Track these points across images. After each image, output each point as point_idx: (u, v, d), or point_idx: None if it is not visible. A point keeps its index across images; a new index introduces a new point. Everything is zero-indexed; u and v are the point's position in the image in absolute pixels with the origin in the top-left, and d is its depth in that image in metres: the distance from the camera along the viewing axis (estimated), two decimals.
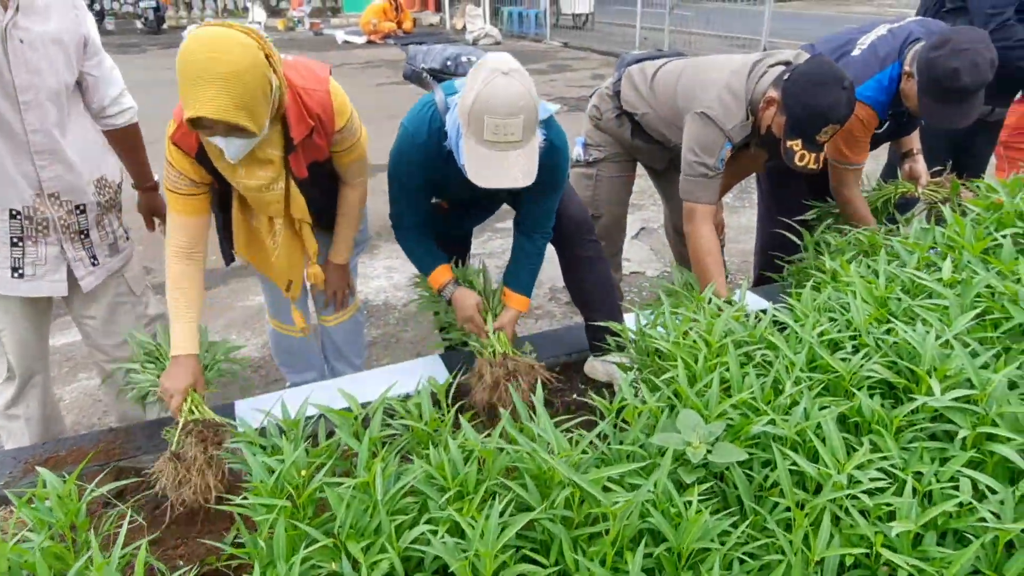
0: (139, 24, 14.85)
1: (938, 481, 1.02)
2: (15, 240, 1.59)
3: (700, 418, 1.14)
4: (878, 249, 1.77)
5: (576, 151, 2.45)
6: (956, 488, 0.99)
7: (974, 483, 1.00)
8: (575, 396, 1.75)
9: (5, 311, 1.67)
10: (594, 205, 2.40)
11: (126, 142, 1.84)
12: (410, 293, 3.36)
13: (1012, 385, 1.16)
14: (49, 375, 1.90)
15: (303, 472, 1.12)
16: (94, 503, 1.36)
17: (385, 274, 3.59)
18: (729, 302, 1.63)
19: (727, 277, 2.06)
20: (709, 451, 1.08)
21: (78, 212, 1.67)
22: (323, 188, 1.73)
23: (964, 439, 1.07)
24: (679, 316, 1.52)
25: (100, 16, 14.71)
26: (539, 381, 1.38)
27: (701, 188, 1.97)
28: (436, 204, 1.86)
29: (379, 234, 3.96)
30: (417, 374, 1.61)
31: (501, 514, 0.94)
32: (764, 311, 1.52)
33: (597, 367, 1.87)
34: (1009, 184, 1.78)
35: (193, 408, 1.42)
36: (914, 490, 0.99)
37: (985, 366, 1.20)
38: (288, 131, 1.49)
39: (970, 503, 0.96)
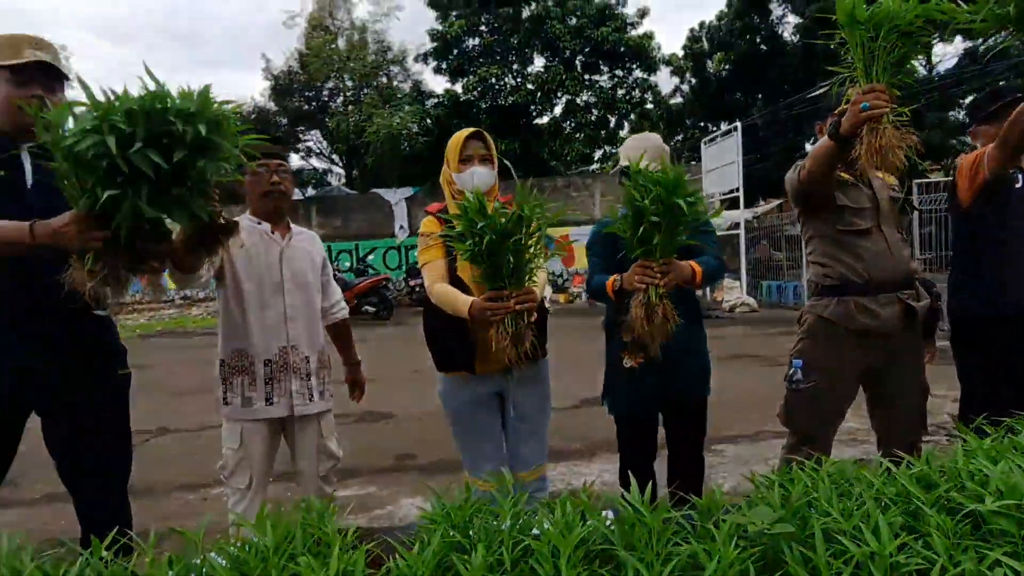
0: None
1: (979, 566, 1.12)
2: (267, 379, 2.37)
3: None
4: None
5: (794, 372, 2.55)
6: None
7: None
8: None
9: (256, 432, 2.38)
10: (809, 425, 2.51)
11: (340, 332, 2.70)
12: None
13: None
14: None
15: None
16: None
17: None
18: None
19: None
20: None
21: (306, 362, 2.44)
22: None
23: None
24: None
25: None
26: None
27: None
28: None
29: None
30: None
31: None
32: None
33: None
34: None
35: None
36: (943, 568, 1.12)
37: None
38: None
39: None
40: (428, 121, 21.54)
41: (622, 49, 22.56)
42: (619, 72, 23.55)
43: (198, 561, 1.22)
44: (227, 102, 1.50)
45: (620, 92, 23.54)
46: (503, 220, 1.88)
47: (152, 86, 1.43)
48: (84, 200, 1.45)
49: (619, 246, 2.20)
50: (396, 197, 20.89)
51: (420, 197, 20.65)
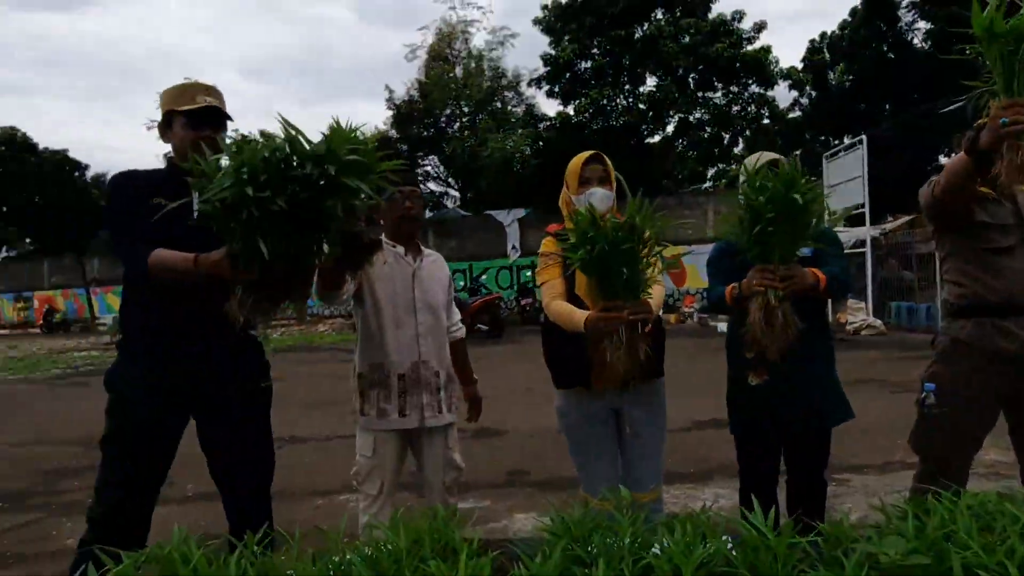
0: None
1: None
2: (401, 392, 2.51)
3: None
4: None
5: (926, 397, 2.40)
6: None
7: None
8: None
9: (387, 442, 2.52)
10: (942, 453, 2.37)
11: (456, 351, 2.79)
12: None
13: None
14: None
15: None
16: None
17: None
18: None
19: None
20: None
21: (436, 376, 2.57)
22: None
23: None
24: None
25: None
26: None
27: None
28: None
29: None
30: None
31: None
32: None
33: None
34: None
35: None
36: None
37: None
38: None
39: None
40: (540, 144, 21.87)
41: (737, 65, 21.99)
42: (734, 88, 22.95)
43: (336, 559, 1.34)
44: (358, 130, 1.61)
45: (735, 108, 22.92)
46: (615, 230, 1.91)
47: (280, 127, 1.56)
48: (234, 242, 1.64)
49: (740, 262, 2.16)
50: (509, 218, 21.33)
51: (532, 218, 20.95)
